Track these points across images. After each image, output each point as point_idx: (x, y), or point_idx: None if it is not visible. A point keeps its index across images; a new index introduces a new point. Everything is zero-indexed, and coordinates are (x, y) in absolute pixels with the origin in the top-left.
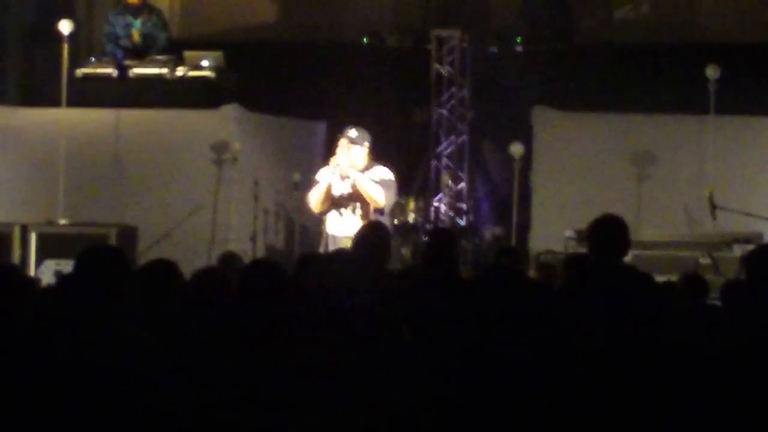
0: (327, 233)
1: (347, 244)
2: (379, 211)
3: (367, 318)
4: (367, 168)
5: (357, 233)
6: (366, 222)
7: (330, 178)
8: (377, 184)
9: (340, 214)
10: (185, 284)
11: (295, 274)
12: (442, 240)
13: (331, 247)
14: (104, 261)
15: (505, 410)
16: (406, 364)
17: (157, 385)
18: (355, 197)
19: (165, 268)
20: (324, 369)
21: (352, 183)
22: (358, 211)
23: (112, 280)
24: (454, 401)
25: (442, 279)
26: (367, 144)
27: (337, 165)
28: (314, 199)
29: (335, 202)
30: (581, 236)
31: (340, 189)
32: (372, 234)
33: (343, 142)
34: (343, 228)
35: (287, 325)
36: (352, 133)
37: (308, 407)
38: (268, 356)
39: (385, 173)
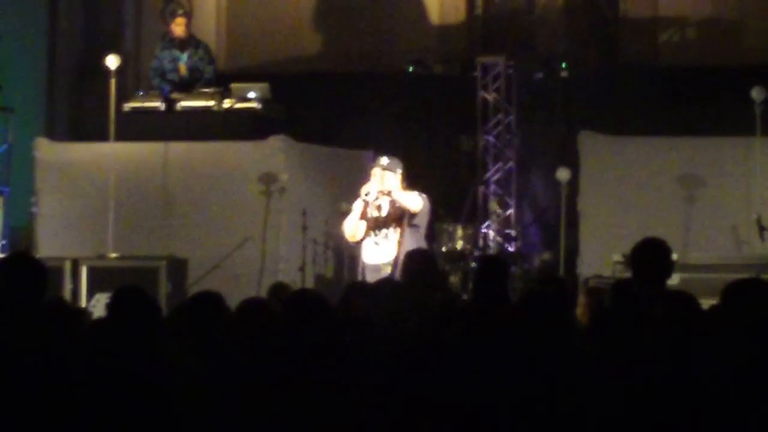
0: (363, 262)
1: (385, 271)
2: (414, 225)
3: (412, 347)
4: None
5: (403, 261)
6: (410, 249)
7: (362, 205)
8: (410, 193)
9: (376, 243)
10: (231, 315)
11: (341, 303)
12: (492, 268)
13: (368, 276)
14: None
15: None
16: (453, 393)
17: (207, 413)
18: (389, 220)
19: (211, 300)
20: (368, 398)
21: (388, 204)
22: (394, 236)
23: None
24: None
25: (492, 307)
26: (399, 171)
27: (368, 194)
28: (348, 227)
29: (369, 227)
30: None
31: (374, 213)
32: (418, 262)
33: (375, 171)
34: (379, 256)
35: (331, 355)
36: (384, 160)
37: None
38: (311, 386)
39: (416, 194)
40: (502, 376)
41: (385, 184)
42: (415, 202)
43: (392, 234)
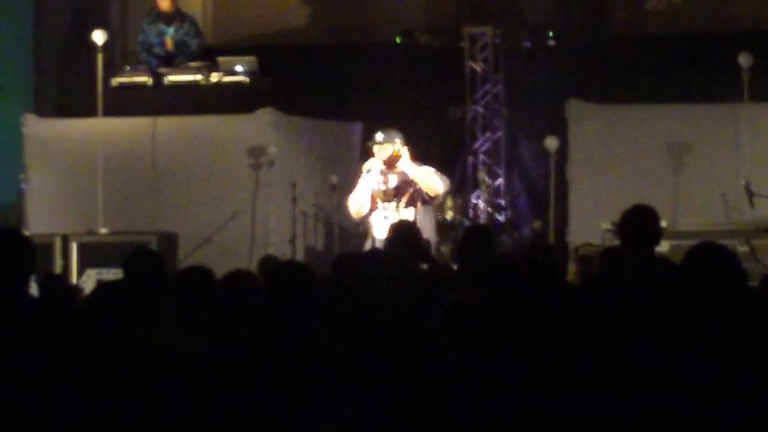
0: (374, 237)
1: None
2: (427, 202)
3: (398, 317)
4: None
5: (387, 233)
6: (396, 222)
7: (368, 182)
8: (428, 173)
9: (385, 217)
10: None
11: (331, 274)
12: (476, 237)
13: None
14: (149, 264)
15: (533, 411)
16: (437, 363)
17: (195, 387)
18: (400, 192)
19: (200, 275)
20: (354, 367)
21: (397, 177)
22: (406, 212)
23: (155, 283)
24: (483, 399)
25: (476, 275)
26: (398, 140)
27: (369, 170)
28: (353, 203)
29: (379, 198)
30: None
31: (381, 187)
32: (401, 233)
33: (375, 148)
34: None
35: (318, 326)
36: (378, 136)
37: (336, 406)
38: (297, 358)
39: (429, 167)
40: (489, 347)
41: (390, 157)
42: (438, 184)
43: (404, 209)
